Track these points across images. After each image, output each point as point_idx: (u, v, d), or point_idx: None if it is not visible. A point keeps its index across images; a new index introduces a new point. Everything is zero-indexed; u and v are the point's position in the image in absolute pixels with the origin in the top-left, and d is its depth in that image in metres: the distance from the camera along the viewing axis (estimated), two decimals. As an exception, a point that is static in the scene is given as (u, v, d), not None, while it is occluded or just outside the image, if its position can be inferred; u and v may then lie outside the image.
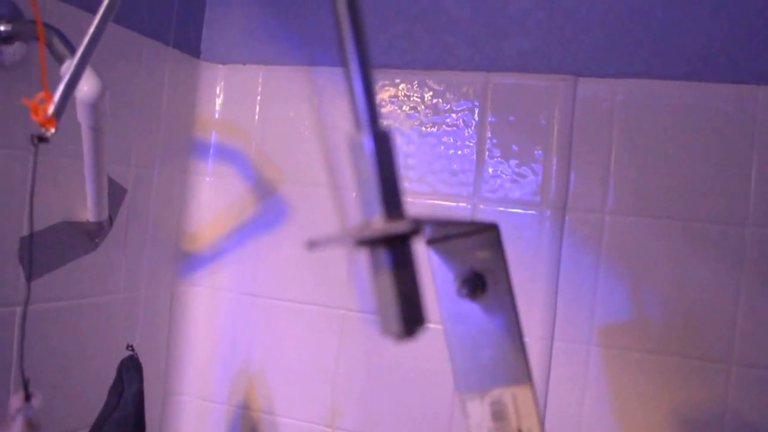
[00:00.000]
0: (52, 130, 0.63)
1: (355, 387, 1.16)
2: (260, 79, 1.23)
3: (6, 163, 0.88)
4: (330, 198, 1.18)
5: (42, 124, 0.63)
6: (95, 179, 0.91)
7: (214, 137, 1.25)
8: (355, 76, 0.45)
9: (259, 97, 1.23)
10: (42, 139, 0.64)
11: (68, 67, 0.75)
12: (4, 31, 0.84)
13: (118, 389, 0.92)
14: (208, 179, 1.25)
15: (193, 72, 1.26)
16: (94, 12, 0.69)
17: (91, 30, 0.67)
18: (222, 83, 1.25)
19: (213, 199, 1.25)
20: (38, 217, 0.93)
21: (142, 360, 0.95)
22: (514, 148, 1.08)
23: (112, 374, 0.93)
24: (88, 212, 0.99)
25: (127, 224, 1.11)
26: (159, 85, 1.16)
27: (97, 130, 0.82)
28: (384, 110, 1.17)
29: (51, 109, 0.63)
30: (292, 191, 1.20)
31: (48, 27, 0.81)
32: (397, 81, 1.16)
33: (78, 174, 0.99)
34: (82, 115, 0.80)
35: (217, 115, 1.25)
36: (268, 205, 1.21)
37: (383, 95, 1.16)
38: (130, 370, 0.91)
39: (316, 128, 1.20)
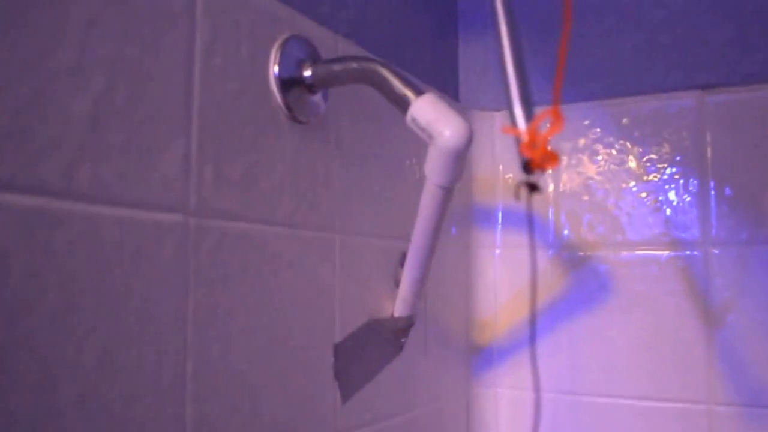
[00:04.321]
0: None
1: None
2: (547, 123, 1.00)
3: (315, 250, 0.68)
4: (670, 261, 0.91)
5: (537, 163, 0.41)
6: (422, 261, 0.69)
7: (498, 199, 1.02)
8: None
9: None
10: (534, 188, 0.43)
11: (422, 111, 0.55)
12: (309, 78, 0.65)
13: None
14: (497, 252, 1.01)
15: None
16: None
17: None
18: (499, 133, 1.03)
19: (505, 277, 1.00)
20: (343, 314, 0.72)
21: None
22: None
23: None
24: (398, 304, 0.77)
25: (426, 318, 0.88)
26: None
27: (447, 191, 0.60)
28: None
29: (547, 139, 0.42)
30: (612, 257, 0.94)
31: (380, 64, 0.61)
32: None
33: (379, 256, 0.78)
34: (433, 168, 0.58)
35: (499, 172, 1.02)
36: (582, 278, 0.95)
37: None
38: None
39: (635, 173, 0.94)
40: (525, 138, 0.44)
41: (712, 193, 0.90)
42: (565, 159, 0.98)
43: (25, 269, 0.41)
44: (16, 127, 0.41)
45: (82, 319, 0.44)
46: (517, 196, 0.43)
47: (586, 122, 0.97)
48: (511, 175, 1.01)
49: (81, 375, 0.44)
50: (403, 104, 0.58)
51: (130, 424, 0.47)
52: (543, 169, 0.43)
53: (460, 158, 0.56)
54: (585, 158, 0.97)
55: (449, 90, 1.03)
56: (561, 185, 0.98)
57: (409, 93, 0.58)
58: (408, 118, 0.58)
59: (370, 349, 0.75)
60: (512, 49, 0.49)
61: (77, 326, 0.44)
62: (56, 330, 0.42)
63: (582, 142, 0.97)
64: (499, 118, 1.03)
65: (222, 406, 0.55)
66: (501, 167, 1.02)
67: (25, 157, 0.41)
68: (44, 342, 0.42)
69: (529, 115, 0.46)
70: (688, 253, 0.90)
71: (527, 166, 0.43)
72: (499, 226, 1.01)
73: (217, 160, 0.56)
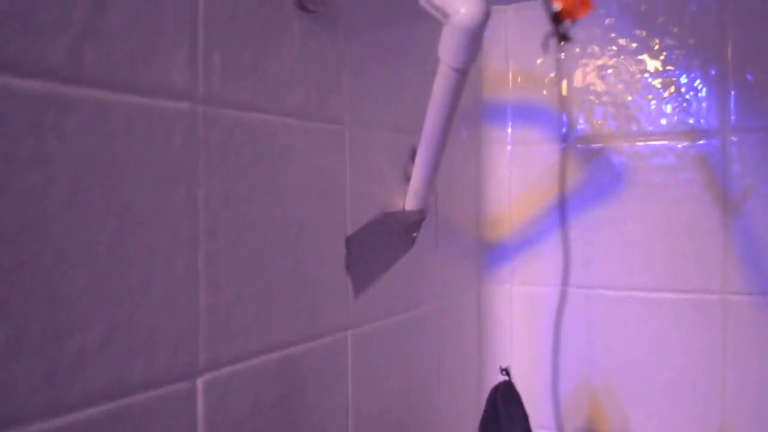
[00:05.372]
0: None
1: (751, 397, 0.86)
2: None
3: (325, 142, 0.66)
4: (687, 150, 0.89)
5: (568, 11, 0.39)
6: (434, 150, 0.67)
7: (509, 94, 0.99)
8: None
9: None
10: (565, 38, 0.41)
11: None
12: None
13: (492, 422, 0.68)
14: (507, 148, 1.00)
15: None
16: None
17: None
18: (511, 27, 0.99)
19: (516, 173, 0.99)
20: (354, 207, 0.71)
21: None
22: None
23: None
24: (409, 198, 0.76)
25: (437, 213, 0.87)
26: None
27: (462, 74, 0.57)
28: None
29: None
30: (627, 148, 0.92)
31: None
32: None
33: (389, 149, 0.77)
34: (447, 49, 0.55)
35: (510, 67, 0.99)
36: (596, 171, 0.94)
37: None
38: (510, 404, 0.67)
39: (651, 62, 0.91)
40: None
41: (731, 79, 0.87)
42: (577, 49, 0.95)
43: (37, 154, 0.40)
44: (19, 7, 0.39)
45: (93, 206, 0.43)
46: (545, 48, 0.41)
47: (601, 10, 0.93)
48: (522, 69, 0.98)
49: (93, 261, 0.43)
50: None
51: (143, 311, 0.47)
52: (574, 18, 0.40)
53: (477, 36, 0.53)
54: (598, 48, 0.93)
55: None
56: (573, 77, 0.95)
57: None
58: (420, -6, 0.55)
59: (381, 243, 0.75)
60: None
61: (88, 212, 0.43)
62: (68, 216, 0.42)
63: (596, 31, 0.94)
64: (510, 12, 0.99)
65: (234, 295, 0.55)
66: (511, 62, 0.99)
67: (30, 38, 0.39)
68: (56, 227, 0.41)
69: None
70: (705, 141, 0.88)
71: (557, 16, 0.41)
72: (510, 121, 0.99)
73: (225, 47, 0.53)
